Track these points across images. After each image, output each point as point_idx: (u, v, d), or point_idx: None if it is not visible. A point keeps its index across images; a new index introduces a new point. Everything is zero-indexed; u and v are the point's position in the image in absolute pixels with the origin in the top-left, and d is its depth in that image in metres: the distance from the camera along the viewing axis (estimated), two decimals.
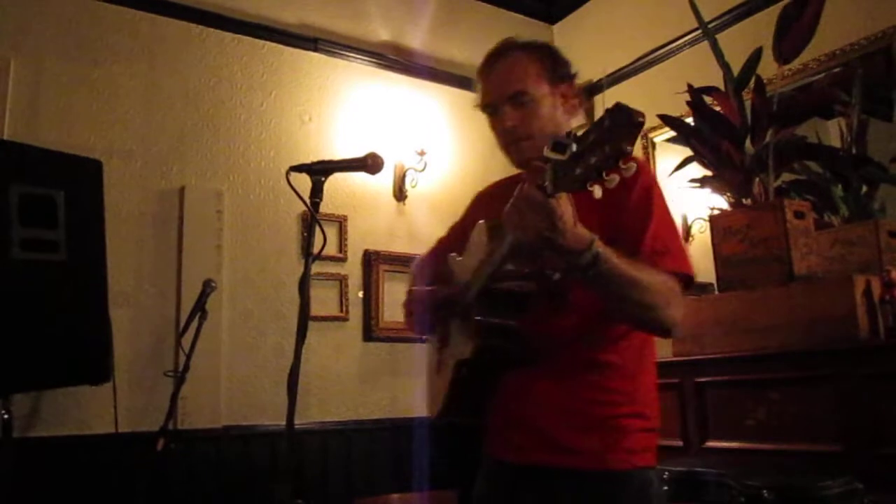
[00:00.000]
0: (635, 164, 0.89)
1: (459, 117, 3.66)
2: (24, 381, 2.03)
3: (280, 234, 3.24)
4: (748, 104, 2.60)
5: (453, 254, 1.46)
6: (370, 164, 1.47)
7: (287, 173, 1.37)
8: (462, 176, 3.66)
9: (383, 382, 3.37)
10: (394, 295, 3.39)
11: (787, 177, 2.67)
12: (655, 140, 3.57)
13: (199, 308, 2.55)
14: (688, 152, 2.81)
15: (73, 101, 2.85)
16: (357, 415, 3.27)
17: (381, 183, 3.51)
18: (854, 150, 2.55)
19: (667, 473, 2.15)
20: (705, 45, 2.78)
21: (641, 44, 3.66)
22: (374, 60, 3.64)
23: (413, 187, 3.57)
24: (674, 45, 3.48)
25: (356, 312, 3.36)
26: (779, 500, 1.77)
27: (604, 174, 0.88)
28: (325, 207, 1.46)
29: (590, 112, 3.92)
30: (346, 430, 3.20)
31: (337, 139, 3.45)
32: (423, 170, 3.52)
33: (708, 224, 2.68)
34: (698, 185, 2.80)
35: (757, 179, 2.56)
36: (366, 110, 3.56)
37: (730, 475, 1.97)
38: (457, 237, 1.55)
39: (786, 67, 2.63)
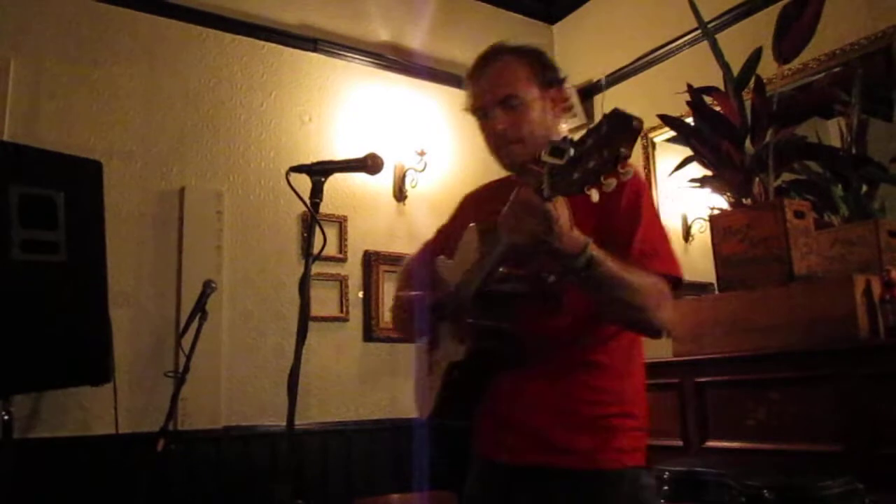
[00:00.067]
0: (633, 169, 0.90)
1: (459, 117, 3.60)
2: (24, 381, 2.03)
3: (280, 234, 3.24)
4: (748, 104, 2.60)
5: (442, 256, 1.47)
6: (370, 164, 1.47)
7: (287, 174, 1.37)
8: (462, 176, 3.66)
9: (383, 383, 3.37)
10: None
11: (787, 176, 2.67)
12: (655, 140, 3.57)
13: (200, 309, 2.55)
14: (688, 152, 2.81)
15: (73, 101, 2.85)
16: (357, 415, 3.27)
17: (381, 183, 3.52)
18: (854, 150, 2.55)
19: (667, 473, 2.15)
20: (705, 45, 2.78)
21: (641, 44, 3.66)
22: (373, 61, 3.64)
23: (413, 187, 3.57)
24: (674, 45, 3.48)
25: (356, 313, 3.36)
26: (779, 500, 1.77)
27: (601, 178, 0.88)
28: (325, 208, 1.46)
29: (589, 112, 3.93)
30: (347, 431, 3.20)
31: (337, 139, 3.46)
32: (423, 170, 3.52)
33: (708, 224, 2.68)
34: (698, 184, 2.80)
35: (757, 179, 2.56)
36: (366, 111, 3.56)
37: (730, 475, 1.97)
38: (445, 240, 1.57)
39: (786, 67, 2.63)
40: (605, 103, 3.82)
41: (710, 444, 2.39)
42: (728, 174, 2.61)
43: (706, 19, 2.83)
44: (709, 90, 2.72)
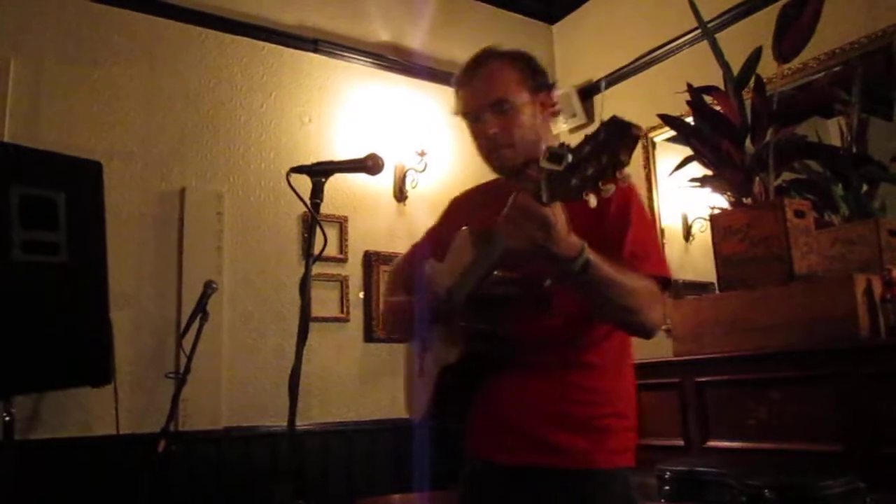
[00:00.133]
0: (630, 175, 0.92)
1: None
2: (25, 383, 2.03)
3: (280, 235, 3.25)
4: (748, 103, 2.60)
5: (432, 260, 1.48)
6: (370, 164, 1.47)
7: (287, 174, 1.37)
8: (462, 176, 3.65)
9: (384, 383, 3.37)
10: None
11: (787, 176, 2.67)
12: (655, 140, 3.57)
13: (200, 309, 2.55)
14: (688, 152, 2.81)
15: (74, 102, 2.85)
16: (358, 415, 3.27)
17: (382, 184, 3.52)
18: (854, 149, 2.55)
19: (668, 473, 2.15)
20: (705, 44, 2.78)
21: (641, 43, 3.66)
22: (374, 61, 3.64)
23: (413, 188, 3.57)
24: (673, 44, 3.48)
25: (357, 313, 3.36)
26: (780, 500, 1.77)
27: (600, 184, 0.90)
28: (325, 208, 1.46)
29: (589, 112, 3.93)
30: (347, 431, 3.20)
31: (337, 140, 3.46)
32: (423, 170, 3.52)
33: (708, 223, 2.68)
34: (698, 184, 2.80)
35: (757, 179, 2.55)
36: (366, 111, 3.56)
37: (731, 475, 1.97)
38: (433, 243, 1.58)
39: (786, 66, 2.63)
40: (604, 103, 3.82)
41: (711, 443, 2.39)
42: (728, 174, 2.61)
43: (706, 19, 2.83)
44: (709, 90, 2.72)
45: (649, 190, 3.53)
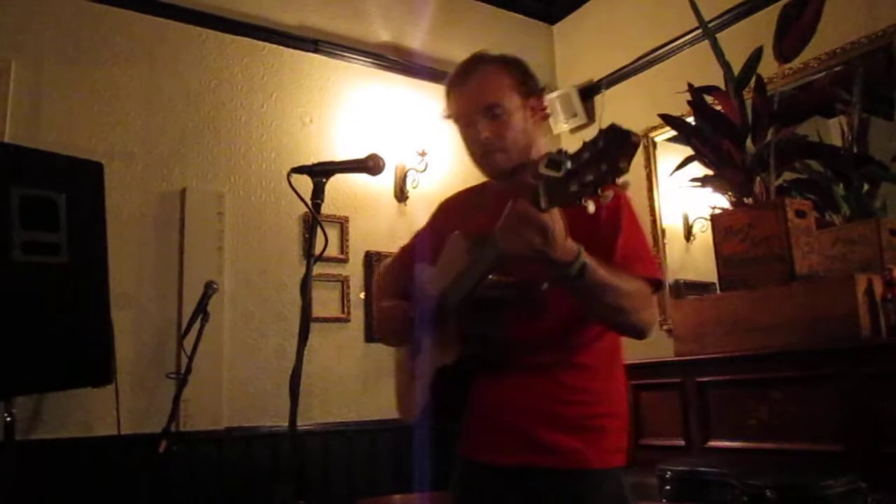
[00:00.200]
0: (629, 182, 0.93)
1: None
2: (26, 383, 2.03)
3: (281, 235, 3.25)
4: (749, 103, 2.60)
5: (423, 263, 1.49)
6: (371, 165, 1.47)
7: (288, 175, 1.37)
8: (463, 176, 3.62)
9: (385, 383, 3.35)
10: None
11: (788, 176, 2.68)
12: (656, 140, 3.56)
13: (201, 310, 2.55)
14: (689, 152, 2.82)
15: (74, 103, 2.85)
16: (359, 416, 3.26)
17: (383, 184, 3.52)
18: (855, 149, 2.55)
19: (669, 473, 2.15)
20: (705, 44, 2.78)
21: (641, 43, 3.66)
22: (374, 61, 3.64)
23: (414, 188, 3.57)
24: (674, 44, 3.48)
25: (358, 314, 3.36)
26: (781, 500, 1.77)
27: (599, 191, 0.91)
28: (326, 209, 1.46)
29: (590, 112, 3.93)
30: (348, 431, 3.20)
31: (338, 140, 3.46)
32: (424, 170, 3.52)
33: (709, 223, 2.68)
34: (699, 184, 2.80)
35: (758, 178, 2.55)
36: (366, 111, 3.56)
37: (732, 475, 1.97)
38: (422, 246, 1.59)
39: (786, 66, 2.63)
40: (605, 103, 3.82)
41: (712, 443, 2.39)
42: (729, 173, 2.61)
43: (706, 19, 2.83)
44: (709, 90, 2.72)
45: (650, 190, 3.53)
